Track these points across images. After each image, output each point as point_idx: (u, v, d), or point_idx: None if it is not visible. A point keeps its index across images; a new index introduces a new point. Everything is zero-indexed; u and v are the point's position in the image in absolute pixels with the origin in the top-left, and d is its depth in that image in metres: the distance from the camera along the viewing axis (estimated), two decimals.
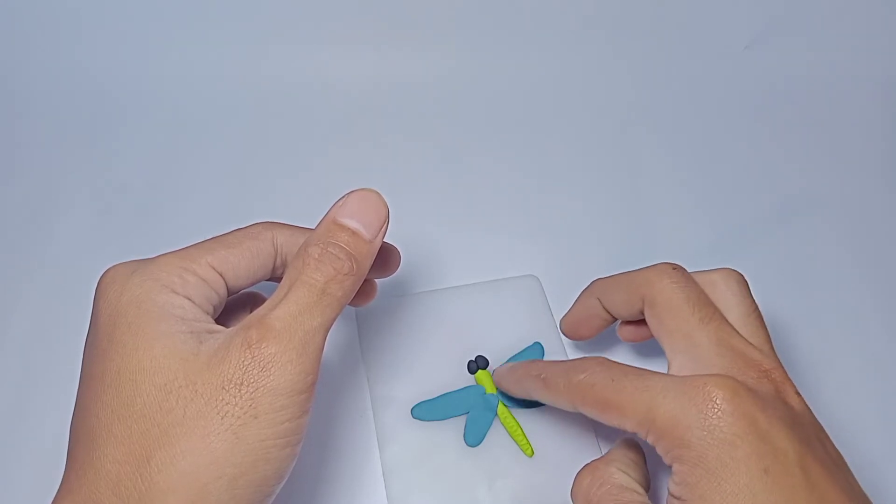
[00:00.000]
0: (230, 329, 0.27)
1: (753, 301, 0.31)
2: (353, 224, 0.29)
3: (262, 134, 0.49)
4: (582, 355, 0.32)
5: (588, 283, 0.36)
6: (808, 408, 0.28)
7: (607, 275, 0.35)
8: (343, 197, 0.29)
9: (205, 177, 0.46)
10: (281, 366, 0.26)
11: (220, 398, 0.25)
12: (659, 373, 0.28)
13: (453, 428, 0.36)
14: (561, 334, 0.39)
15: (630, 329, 0.35)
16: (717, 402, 0.26)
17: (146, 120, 0.50)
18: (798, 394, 0.28)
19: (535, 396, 0.33)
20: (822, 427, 0.28)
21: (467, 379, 0.38)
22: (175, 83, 0.51)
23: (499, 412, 0.36)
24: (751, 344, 0.29)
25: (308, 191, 0.45)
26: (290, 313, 0.27)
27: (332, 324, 0.28)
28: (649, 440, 0.27)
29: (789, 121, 0.50)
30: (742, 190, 0.47)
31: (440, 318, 0.40)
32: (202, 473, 0.24)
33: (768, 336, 0.30)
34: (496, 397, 0.37)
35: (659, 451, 0.27)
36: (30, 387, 0.38)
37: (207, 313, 0.29)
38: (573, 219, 0.45)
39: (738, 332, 0.30)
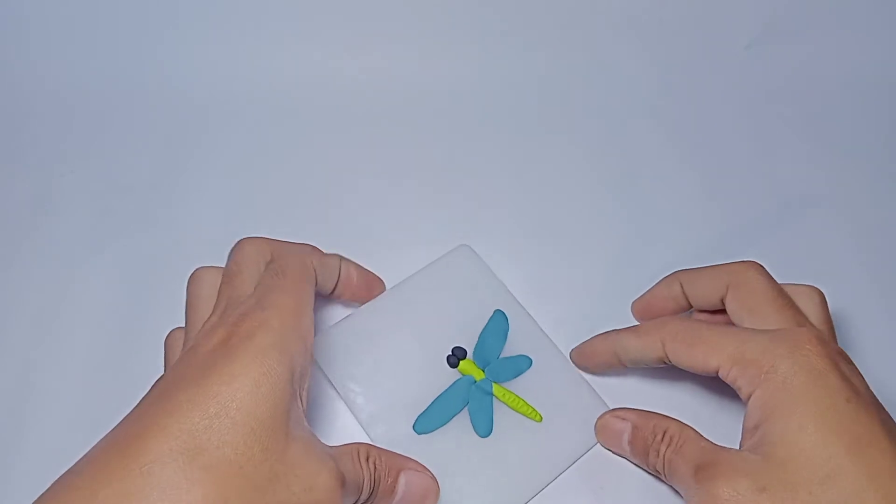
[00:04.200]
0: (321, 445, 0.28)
1: (830, 318, 0.34)
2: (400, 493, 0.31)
3: (262, 134, 0.49)
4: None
5: None
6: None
7: (610, 272, 0.40)
8: (419, 477, 0.32)
9: (205, 177, 0.46)
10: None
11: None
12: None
13: (459, 426, 0.36)
14: (515, 299, 0.40)
15: (704, 317, 0.37)
16: (806, 343, 0.29)
17: (146, 120, 0.50)
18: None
19: (627, 353, 0.35)
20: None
21: (450, 373, 0.37)
22: (175, 83, 0.51)
23: (496, 393, 0.36)
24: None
25: (309, 190, 0.45)
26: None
27: None
28: (731, 374, 0.30)
29: (790, 120, 0.50)
30: (742, 189, 0.47)
31: (395, 322, 0.39)
32: None
33: None
34: (488, 381, 0.37)
35: (740, 383, 0.30)
36: (29, 387, 0.38)
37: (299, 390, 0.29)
38: (573, 219, 0.45)
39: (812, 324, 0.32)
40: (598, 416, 0.35)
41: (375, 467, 0.29)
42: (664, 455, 0.31)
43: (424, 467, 0.32)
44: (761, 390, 0.29)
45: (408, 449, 0.33)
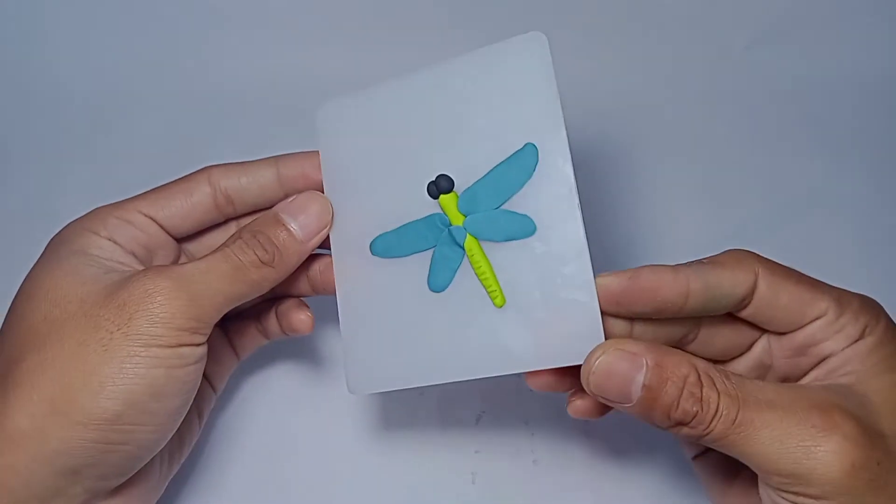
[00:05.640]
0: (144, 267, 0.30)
1: None
2: (291, 222, 0.30)
3: (262, 133, 0.49)
4: None
5: None
6: None
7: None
8: (294, 196, 0.31)
9: None
10: (165, 298, 0.27)
11: (100, 314, 0.27)
12: None
13: (418, 266, 0.30)
14: (565, 141, 0.28)
15: None
16: (883, 311, 0.28)
17: (146, 120, 0.50)
18: None
19: (710, 290, 0.27)
20: None
21: (429, 204, 0.30)
22: (175, 83, 0.51)
23: (467, 248, 0.29)
24: None
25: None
26: (197, 268, 0.28)
27: (237, 300, 0.29)
28: (839, 323, 0.27)
29: (790, 120, 0.50)
30: (743, 189, 0.47)
31: (407, 113, 0.31)
32: (68, 378, 0.26)
33: None
34: (462, 230, 0.29)
35: (839, 335, 0.27)
36: None
37: (132, 253, 0.31)
38: None
39: None
40: (590, 348, 0.26)
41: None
42: (719, 406, 0.25)
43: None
44: (870, 337, 0.27)
45: (358, 268, 0.31)
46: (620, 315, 0.27)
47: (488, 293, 0.28)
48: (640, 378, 0.25)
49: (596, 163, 0.48)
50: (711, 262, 0.27)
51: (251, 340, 0.36)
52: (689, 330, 0.29)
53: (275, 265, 0.30)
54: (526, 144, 0.28)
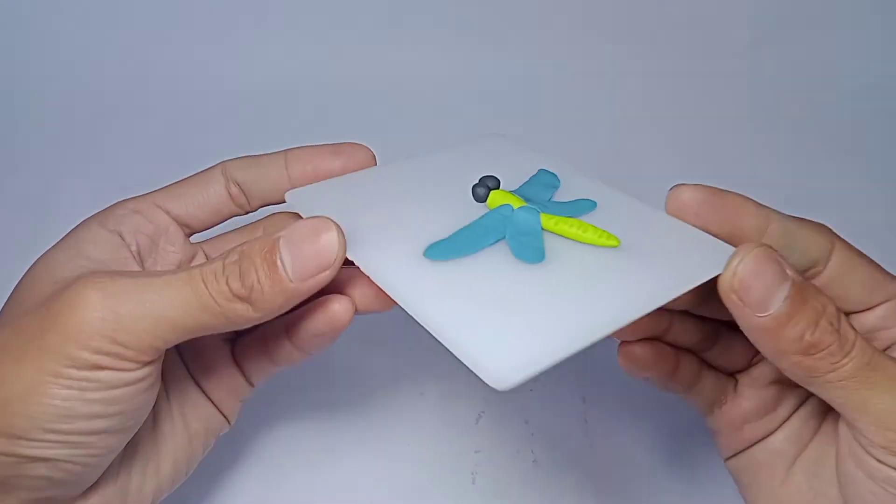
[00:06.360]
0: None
1: None
2: (285, 257, 0.24)
3: (263, 133, 0.49)
4: None
5: None
6: None
7: None
8: (304, 221, 0.25)
9: None
10: (87, 315, 0.23)
11: (24, 321, 0.24)
12: None
13: (494, 256, 0.25)
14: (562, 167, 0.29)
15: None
16: None
17: (146, 120, 0.50)
18: None
19: (787, 236, 0.26)
20: None
21: (477, 209, 0.27)
22: (176, 83, 0.51)
23: (544, 222, 0.26)
24: None
25: None
26: (150, 284, 0.24)
27: (195, 332, 0.24)
28: None
29: (790, 120, 0.50)
30: (743, 188, 0.47)
31: (397, 189, 0.29)
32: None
33: None
34: (533, 209, 0.26)
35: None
36: None
37: (134, 244, 0.29)
38: None
39: None
40: (722, 258, 0.24)
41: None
42: (855, 344, 0.23)
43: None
44: None
45: (415, 273, 0.24)
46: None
47: (598, 243, 0.25)
48: (785, 289, 0.23)
49: (595, 160, 0.48)
50: (793, 217, 0.27)
51: (263, 366, 0.31)
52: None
53: (253, 302, 0.24)
54: (539, 170, 0.30)
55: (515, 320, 0.23)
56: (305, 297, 0.25)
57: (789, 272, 0.23)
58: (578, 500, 0.35)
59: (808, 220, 0.27)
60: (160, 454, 0.29)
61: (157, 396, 0.28)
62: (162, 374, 0.28)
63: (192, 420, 0.30)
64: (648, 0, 0.52)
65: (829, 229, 0.27)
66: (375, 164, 0.31)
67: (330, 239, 0.24)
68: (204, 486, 0.37)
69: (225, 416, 0.31)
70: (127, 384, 0.24)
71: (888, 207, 0.46)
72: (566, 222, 0.26)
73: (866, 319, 0.27)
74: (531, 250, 0.25)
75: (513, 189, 0.28)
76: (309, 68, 0.52)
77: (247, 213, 0.32)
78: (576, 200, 0.28)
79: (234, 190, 0.30)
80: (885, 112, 0.51)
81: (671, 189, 0.26)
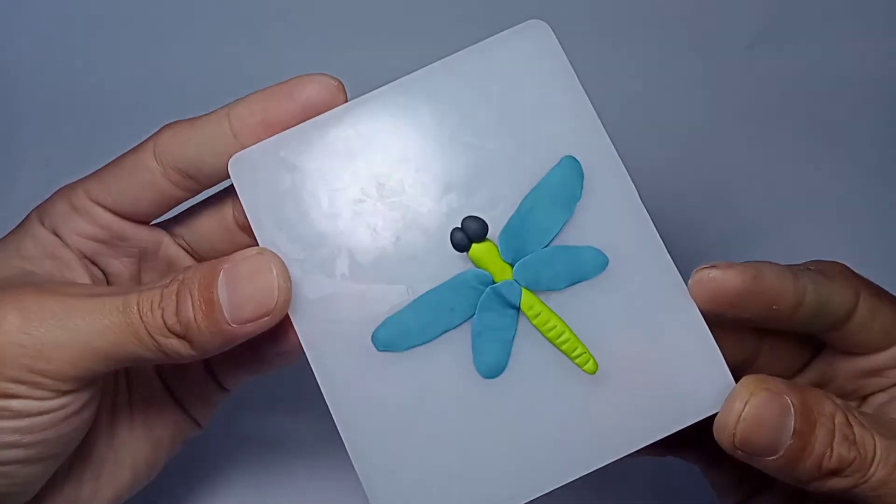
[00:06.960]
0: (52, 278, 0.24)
1: None
2: (223, 295, 0.21)
3: None
4: None
5: None
6: None
7: None
8: (245, 252, 0.21)
9: None
10: (4, 339, 0.21)
11: None
12: None
13: (450, 350, 0.21)
14: (607, 140, 0.23)
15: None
16: None
17: (146, 120, 0.50)
18: None
19: (818, 297, 0.23)
20: None
21: (455, 259, 0.22)
22: (176, 83, 0.51)
23: (524, 307, 0.21)
24: None
25: None
26: (80, 307, 0.21)
27: (125, 362, 0.22)
28: None
29: (790, 120, 0.50)
30: (742, 189, 0.47)
31: (384, 140, 0.22)
32: None
33: None
34: (514, 286, 0.21)
35: None
36: None
37: (78, 251, 0.26)
38: None
39: None
40: (721, 392, 0.21)
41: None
42: (876, 448, 0.21)
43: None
44: None
45: (359, 374, 0.21)
46: (720, 318, 0.22)
47: (573, 360, 0.21)
48: (790, 423, 0.21)
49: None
50: (820, 271, 0.24)
51: (234, 373, 0.29)
52: (756, 345, 0.26)
53: (190, 340, 0.21)
54: (563, 158, 0.23)
55: (442, 464, 0.20)
56: (248, 338, 0.21)
57: (789, 398, 0.21)
58: (578, 500, 0.35)
59: (832, 268, 0.25)
60: (117, 460, 0.27)
61: (117, 403, 0.27)
62: (127, 378, 0.28)
63: (157, 425, 0.28)
64: (648, 0, 0.52)
65: (853, 273, 0.26)
66: (345, 100, 0.24)
67: (268, 284, 0.21)
68: (205, 486, 0.37)
69: (196, 421, 0.30)
70: (44, 412, 0.22)
71: (888, 207, 0.46)
72: (549, 320, 0.21)
73: (879, 360, 0.25)
74: (491, 359, 0.21)
75: (516, 192, 0.22)
76: (310, 68, 0.52)
77: (201, 191, 0.27)
78: (583, 253, 0.22)
79: (174, 175, 0.25)
80: (886, 112, 0.51)
81: (700, 271, 0.22)
